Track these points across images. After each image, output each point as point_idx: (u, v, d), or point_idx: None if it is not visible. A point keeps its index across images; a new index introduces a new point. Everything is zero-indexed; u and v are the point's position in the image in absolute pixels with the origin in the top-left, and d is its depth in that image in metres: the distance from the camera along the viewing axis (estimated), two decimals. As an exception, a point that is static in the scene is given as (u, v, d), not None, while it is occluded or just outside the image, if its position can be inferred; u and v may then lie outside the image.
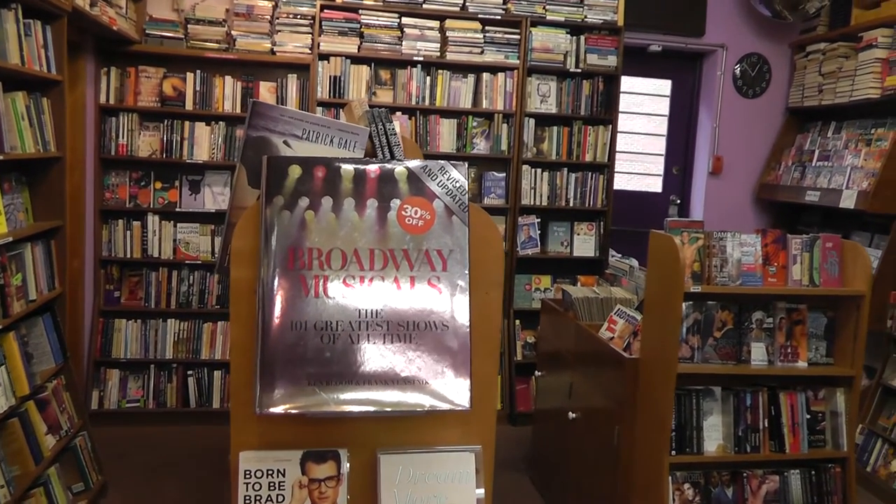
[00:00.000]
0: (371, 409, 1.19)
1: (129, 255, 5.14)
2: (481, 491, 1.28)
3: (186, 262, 5.21)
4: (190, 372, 5.21)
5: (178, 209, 5.19)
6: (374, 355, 1.21)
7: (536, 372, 4.43)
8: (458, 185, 1.27)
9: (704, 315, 3.04)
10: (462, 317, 1.24)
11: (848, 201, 5.04)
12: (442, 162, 1.25)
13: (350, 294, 1.22)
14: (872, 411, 4.96)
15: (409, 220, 1.25)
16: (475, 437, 1.35)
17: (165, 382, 5.17)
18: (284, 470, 1.26)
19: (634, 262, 4.40)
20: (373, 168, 1.25)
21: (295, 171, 1.23)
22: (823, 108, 5.72)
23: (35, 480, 3.39)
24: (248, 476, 1.25)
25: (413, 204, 1.25)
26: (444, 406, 1.21)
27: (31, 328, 3.61)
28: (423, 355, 1.22)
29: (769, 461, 3.11)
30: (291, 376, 1.19)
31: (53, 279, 3.80)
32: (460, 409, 1.22)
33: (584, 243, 5.67)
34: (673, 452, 3.01)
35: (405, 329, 1.23)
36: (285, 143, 1.38)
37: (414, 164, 1.27)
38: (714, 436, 3.08)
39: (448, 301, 1.23)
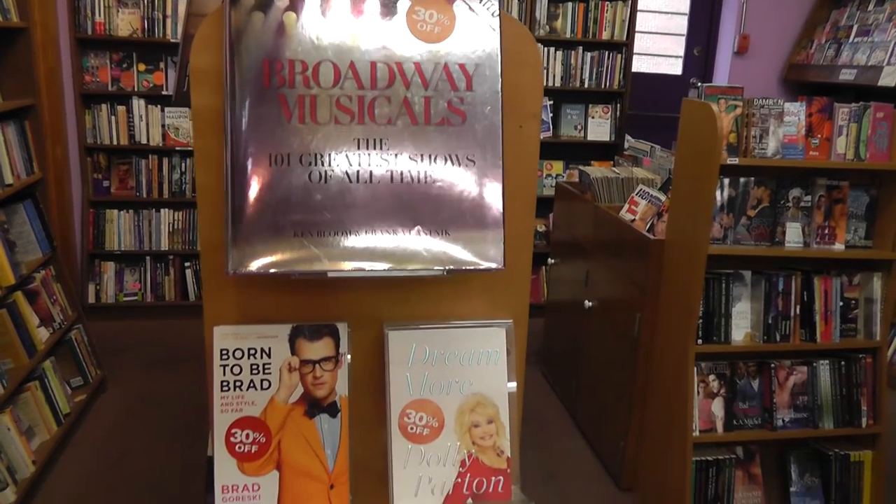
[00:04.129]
0: (377, 267, 0.94)
1: (115, 143, 4.85)
2: (513, 384, 1.05)
3: (177, 148, 4.93)
4: (188, 264, 5.01)
5: (164, 92, 4.86)
6: (379, 198, 0.96)
7: (549, 260, 4.21)
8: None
9: (738, 192, 2.78)
10: (493, 151, 0.97)
11: (889, 78, 4.68)
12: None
13: (346, 119, 0.94)
14: (897, 301, 4.77)
15: (421, 26, 0.97)
16: (505, 310, 1.12)
17: (163, 275, 4.99)
18: (270, 349, 1.03)
19: (657, 146, 4.12)
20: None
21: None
22: (863, -21, 5.29)
23: (30, 374, 3.25)
24: (225, 356, 1.03)
25: (427, 5, 0.97)
26: (470, 265, 0.97)
27: (11, 215, 3.38)
28: (443, 200, 0.96)
29: (798, 351, 2.92)
30: (271, 225, 0.94)
31: (31, 163, 3.54)
32: (491, 268, 0.97)
33: (599, 127, 5.37)
34: (699, 341, 2.81)
35: (419, 164, 0.97)
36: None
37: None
38: (742, 324, 2.88)
39: (473, 130, 0.96)
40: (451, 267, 0.96)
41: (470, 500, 1.06)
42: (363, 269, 0.95)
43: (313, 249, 0.94)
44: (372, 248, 0.96)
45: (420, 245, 0.97)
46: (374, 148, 0.98)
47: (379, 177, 0.98)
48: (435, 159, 0.98)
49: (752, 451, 2.98)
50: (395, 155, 0.98)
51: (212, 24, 0.98)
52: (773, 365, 2.92)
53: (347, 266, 0.95)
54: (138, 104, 4.83)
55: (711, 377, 2.86)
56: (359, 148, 0.98)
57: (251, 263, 0.94)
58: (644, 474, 3.19)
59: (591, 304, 3.56)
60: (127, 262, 4.97)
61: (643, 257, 3.06)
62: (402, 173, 0.98)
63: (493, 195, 0.98)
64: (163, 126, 4.90)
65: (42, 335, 3.39)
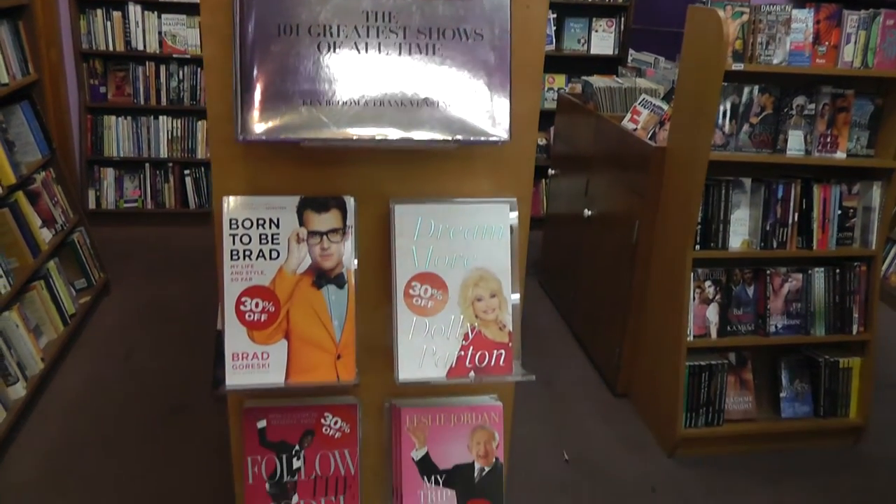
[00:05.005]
0: (385, 135, 0.95)
1: (111, 48, 4.77)
2: (516, 261, 1.07)
3: (174, 55, 4.85)
4: (187, 171, 5.00)
5: (161, -2, 4.76)
6: (388, 70, 0.96)
7: (550, 171, 4.21)
8: None
9: (742, 99, 2.76)
10: (501, 27, 0.97)
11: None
12: None
13: (354, -15, 0.94)
14: (893, 217, 4.79)
15: None
16: (509, 189, 1.13)
17: (162, 182, 4.98)
18: (279, 220, 1.05)
19: (661, 57, 4.06)
20: None
21: None
22: None
23: (34, 273, 3.28)
24: (234, 226, 1.04)
25: None
26: (478, 134, 0.97)
27: (9, 116, 3.36)
28: (451, 72, 0.97)
29: (794, 258, 2.96)
30: (280, 94, 0.95)
31: (27, 64, 3.49)
32: (498, 139, 0.98)
33: (603, 41, 5.28)
34: (696, 247, 2.84)
35: (427, 37, 0.97)
36: None
37: None
38: (740, 231, 2.90)
39: (481, 5, 0.96)
40: (460, 137, 0.97)
41: (472, 373, 1.09)
42: (372, 138, 0.96)
43: (322, 118, 0.95)
44: (380, 117, 0.97)
45: (428, 114, 0.98)
46: (383, 20, 0.98)
47: (387, 49, 0.98)
48: (443, 33, 0.98)
49: (744, 357, 3.05)
50: (404, 28, 0.98)
51: None
52: (768, 272, 2.96)
53: (355, 133, 0.95)
54: (134, 10, 4.73)
55: (707, 283, 2.91)
56: (367, 20, 0.98)
57: (260, 130, 0.94)
58: (638, 380, 3.28)
59: (590, 213, 3.58)
60: (126, 169, 4.96)
61: (644, 165, 3.06)
62: (410, 45, 0.98)
63: (500, 69, 0.98)
64: (160, 33, 4.81)
65: (45, 236, 3.41)
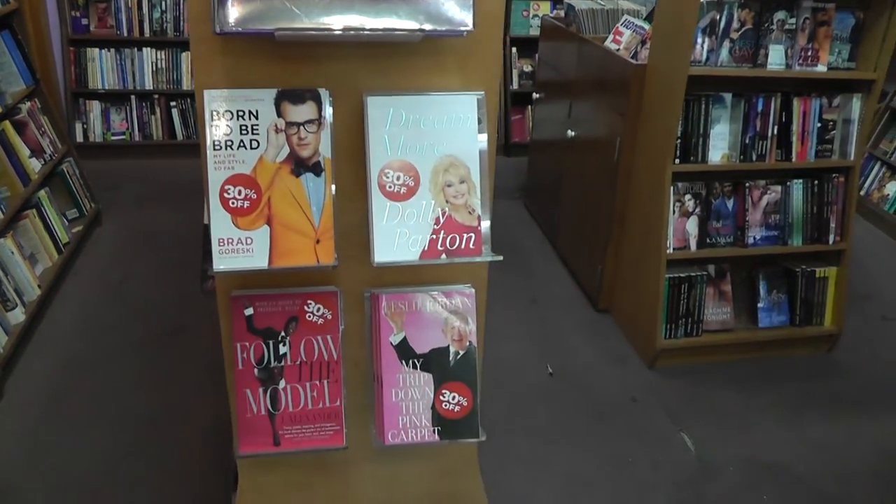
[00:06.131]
0: (354, 25, 1.00)
1: (92, -23, 4.72)
2: (484, 137, 1.12)
3: (157, -16, 4.80)
4: (173, 103, 4.99)
5: (141, -78, 4.69)
6: (357, -41, 1.00)
7: (535, 94, 4.23)
8: None
9: (722, 14, 2.78)
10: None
11: None
12: None
13: None
14: (876, 134, 4.85)
15: None
16: (477, 84, 1.18)
17: (149, 114, 4.98)
18: (257, 111, 1.10)
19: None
20: None
21: None
22: None
23: (26, 202, 3.33)
24: (215, 117, 1.09)
25: None
26: (443, 26, 1.02)
27: (-8, 44, 3.35)
28: (417, -38, 1.01)
29: (773, 170, 3.01)
30: (255, -15, 0.98)
31: (7, -9, 3.47)
32: (462, 28, 1.03)
33: (588, -37, 5.21)
34: (676, 161, 2.89)
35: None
36: None
37: None
38: (720, 145, 2.95)
39: None
40: (427, 26, 1.02)
41: (444, 255, 1.16)
42: (345, 26, 1.01)
43: (293, 9, 0.99)
44: (349, 7, 1.01)
45: (395, 5, 1.02)
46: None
47: (356, -57, 1.02)
48: (409, -77, 1.02)
49: (723, 269, 3.13)
50: (371, -79, 1.02)
51: None
52: (747, 185, 3.02)
53: (325, 22, 1.00)
54: (113, -64, 4.67)
55: (687, 196, 2.97)
56: (336, -89, 1.01)
57: (236, 22, 0.99)
58: (619, 293, 3.37)
59: (573, 134, 3.62)
60: (112, 102, 4.95)
61: (625, 84, 3.09)
62: (376, -62, 1.02)
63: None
64: (139, -40, 4.75)
65: (34, 165, 3.44)
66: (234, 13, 0.99)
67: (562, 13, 3.88)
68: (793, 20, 2.85)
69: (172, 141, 5.03)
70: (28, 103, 3.54)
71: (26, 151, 3.39)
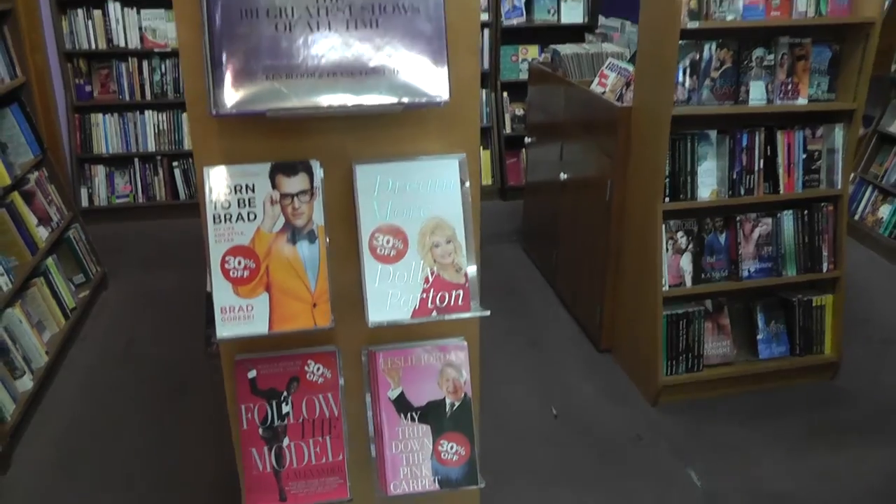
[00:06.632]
0: (339, 102, 1.08)
1: (94, 47, 4.87)
2: (468, 209, 1.19)
3: (156, 50, 4.94)
4: (175, 163, 5.10)
5: (139, -6, 4.85)
6: (337, 44, 1.09)
7: (526, 139, 4.32)
8: None
9: (701, 55, 2.87)
10: (436, 1, 1.09)
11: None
12: None
13: (304, -25, 1.06)
14: (866, 159, 4.93)
15: None
16: (458, 147, 1.25)
17: (152, 176, 5.09)
18: (254, 185, 1.18)
19: (627, 22, 4.15)
20: None
21: None
22: None
23: (34, 270, 3.40)
24: (215, 193, 1.16)
25: None
26: (421, 98, 1.09)
27: (0, 119, 3.46)
28: (393, 42, 1.09)
29: (763, 203, 3.08)
30: (245, 71, 1.07)
31: (14, 68, 3.59)
32: (439, 100, 1.10)
33: (572, 10, 5.37)
34: (666, 200, 2.96)
35: (371, 13, 1.09)
36: None
37: None
38: (708, 182, 3.02)
39: (417, -20, 1.08)
40: (405, 99, 1.09)
41: (435, 313, 1.22)
42: (329, 105, 1.08)
43: (282, 89, 1.07)
44: (334, 86, 1.09)
45: (375, 82, 1.10)
46: (331, 0, 1.10)
47: (336, 25, 1.10)
48: (384, 8, 1.10)
49: (720, 302, 3.18)
50: (349, 6, 1.10)
51: None
52: (738, 218, 3.08)
53: (312, 102, 1.08)
54: (114, 7, 4.82)
55: (679, 234, 3.03)
56: (317, 2, 1.10)
57: (230, 103, 1.06)
58: (619, 334, 3.41)
59: (565, 176, 3.70)
60: (116, 165, 5.06)
61: (612, 126, 3.18)
62: (356, 21, 1.10)
63: (438, 37, 1.10)
64: (140, 28, 4.90)
65: (42, 233, 3.53)
66: (228, 97, 1.07)
67: (549, 58, 3.99)
68: (771, 56, 2.94)
69: (175, 201, 5.13)
70: (36, 173, 3.64)
71: (34, 220, 3.48)
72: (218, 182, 1.16)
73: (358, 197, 1.18)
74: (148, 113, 5.01)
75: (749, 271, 3.11)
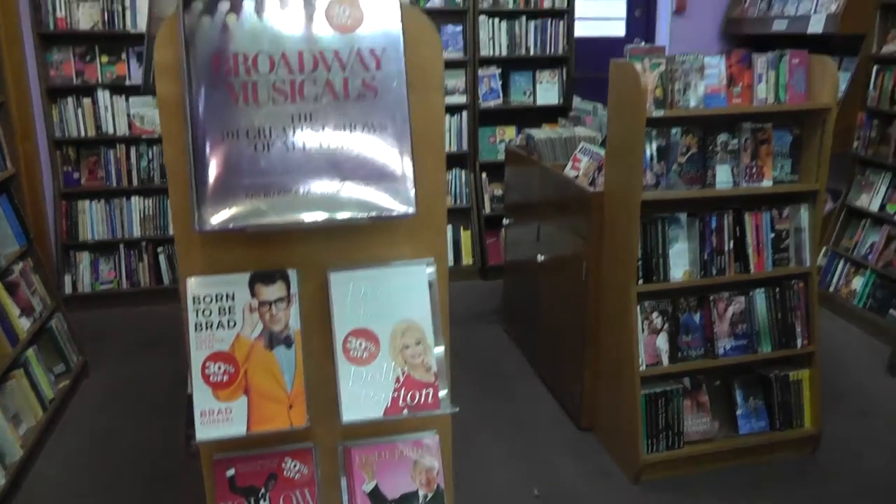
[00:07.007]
0: (315, 217, 1.16)
1: (83, 135, 4.98)
2: (437, 311, 1.26)
3: (143, 136, 5.07)
4: (160, 249, 5.17)
5: (127, 83, 4.99)
6: (313, 162, 1.17)
7: (504, 220, 4.43)
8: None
9: (668, 141, 2.99)
10: (401, 118, 1.19)
11: (817, 25, 4.93)
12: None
13: (281, 100, 1.16)
14: (836, 233, 5.06)
15: (338, 19, 1.17)
16: (426, 250, 1.33)
17: (136, 261, 5.14)
18: (234, 294, 1.24)
19: (599, 105, 4.32)
20: (294, -35, 1.17)
21: (213, -28, 1.15)
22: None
23: (14, 362, 3.40)
24: (197, 302, 1.23)
25: (341, 2, 1.17)
26: (390, 212, 1.18)
27: (-12, 211, 3.53)
28: (364, 160, 1.18)
29: (734, 282, 3.16)
30: (227, 189, 1.15)
31: (4, 160, 3.68)
32: (406, 213, 1.18)
33: (548, 91, 5.57)
34: (640, 282, 3.04)
35: (342, 132, 1.18)
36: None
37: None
38: (680, 262, 3.11)
39: (384, 102, 1.17)
40: (374, 213, 1.17)
41: (406, 411, 1.28)
42: (304, 221, 1.16)
43: (262, 207, 1.15)
44: (309, 202, 1.17)
45: (348, 197, 1.18)
46: (306, 121, 1.19)
47: (311, 144, 1.19)
48: (354, 127, 1.19)
49: (698, 380, 3.23)
50: (323, 126, 1.19)
51: (169, 26, 1.18)
52: (712, 298, 3.16)
53: (290, 218, 1.16)
54: (103, 95, 4.95)
55: (655, 314, 3.10)
56: (293, 122, 1.19)
57: (213, 221, 1.14)
58: (600, 412, 3.45)
59: (542, 258, 3.79)
60: (101, 251, 5.12)
61: (585, 209, 3.29)
62: (330, 140, 1.19)
63: (404, 153, 1.19)
64: (128, 115, 5.03)
65: (24, 324, 3.55)
66: (211, 215, 1.15)
67: (524, 140, 4.13)
68: (735, 141, 3.07)
69: (159, 286, 5.17)
70: (21, 263, 3.69)
71: (16, 311, 3.50)
72: (200, 292, 1.23)
73: (332, 303, 1.25)
74: (134, 199, 5.10)
75: (725, 349, 3.18)
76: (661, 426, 3.14)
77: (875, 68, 4.77)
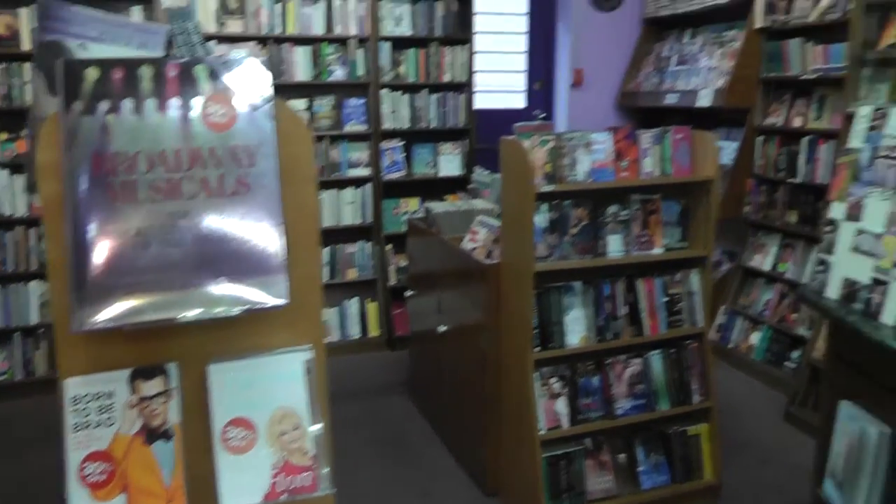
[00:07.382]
0: (192, 314, 1.20)
1: (-22, 216, 4.81)
2: (312, 398, 1.30)
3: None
4: (60, 334, 4.99)
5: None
6: (190, 258, 1.22)
7: (407, 292, 4.50)
8: (259, 80, 1.26)
9: (560, 213, 3.12)
10: (275, 213, 1.25)
11: (705, 100, 5.28)
12: (243, 53, 1.24)
13: (159, 197, 1.21)
14: (734, 292, 5.31)
15: (213, 118, 1.24)
16: (303, 338, 1.38)
17: (33, 350, 4.94)
18: (113, 391, 1.26)
19: (498, 177, 4.47)
20: (172, 66, 1.23)
21: (92, 74, 1.19)
22: (678, 16, 5.91)
23: None
24: (76, 402, 1.24)
25: (216, 101, 1.24)
26: (263, 305, 1.22)
27: None
28: (240, 254, 1.23)
29: (630, 346, 3.29)
30: (107, 289, 1.18)
31: None
32: (279, 304, 1.23)
33: (450, 163, 5.72)
34: (537, 349, 3.13)
35: (217, 229, 1.23)
36: (81, 45, 1.32)
37: (214, 60, 1.25)
38: (577, 329, 3.21)
39: (259, 197, 1.23)
40: (248, 307, 1.22)
41: (285, 495, 1.31)
42: (180, 318, 1.20)
43: (140, 305, 1.18)
44: (186, 299, 1.21)
45: (223, 292, 1.22)
46: (183, 218, 1.24)
47: (189, 241, 1.23)
48: (229, 223, 1.25)
49: (599, 440, 3.32)
50: (199, 223, 1.24)
51: (51, 126, 1.22)
52: (608, 361, 3.27)
53: (168, 315, 1.19)
54: (1, 174, 4.80)
55: (553, 379, 3.19)
56: (171, 220, 1.23)
57: (92, 321, 1.17)
58: (504, 476, 3.49)
59: (444, 328, 3.87)
60: (-5, 342, 4.89)
61: (482, 281, 3.39)
62: (206, 236, 1.24)
63: (277, 247, 1.25)
64: (28, 195, 4.87)
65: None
66: (89, 315, 1.18)
67: (425, 213, 4.23)
68: (626, 212, 3.22)
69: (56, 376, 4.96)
70: None
71: None
72: (79, 391, 1.24)
73: (211, 394, 1.28)
74: (33, 284, 4.93)
75: (624, 409, 3.28)
76: (563, 486, 3.20)
77: (761, 139, 5.10)
